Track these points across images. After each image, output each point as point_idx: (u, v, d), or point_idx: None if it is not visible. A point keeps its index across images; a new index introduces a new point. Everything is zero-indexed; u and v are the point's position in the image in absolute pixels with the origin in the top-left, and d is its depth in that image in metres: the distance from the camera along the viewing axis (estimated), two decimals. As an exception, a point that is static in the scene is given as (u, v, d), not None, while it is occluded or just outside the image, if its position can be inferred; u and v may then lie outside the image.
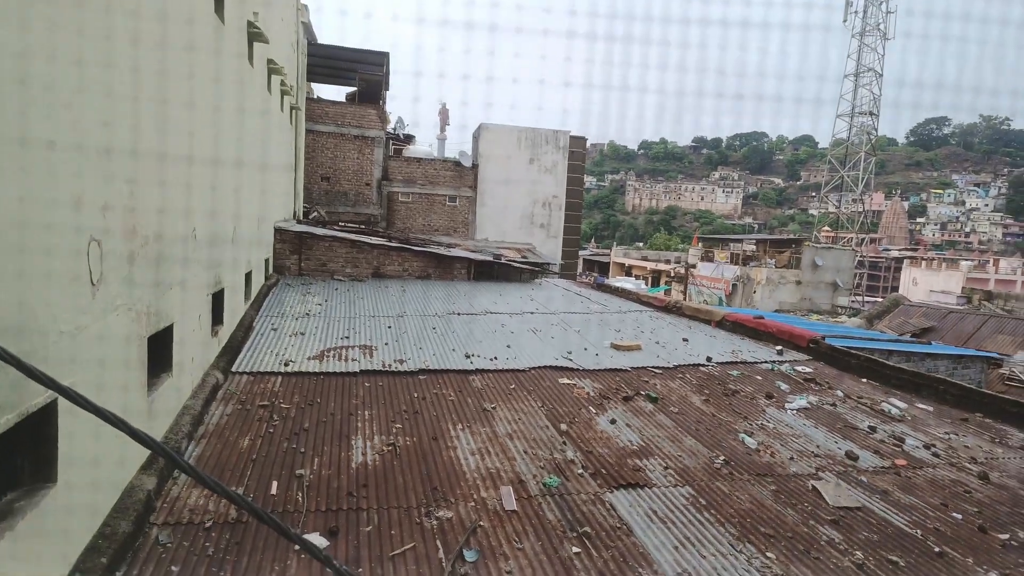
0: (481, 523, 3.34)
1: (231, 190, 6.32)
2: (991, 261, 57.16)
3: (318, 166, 21.69)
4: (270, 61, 9.03)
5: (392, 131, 26.01)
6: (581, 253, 51.70)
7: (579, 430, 4.84)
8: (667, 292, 39.08)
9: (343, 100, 24.03)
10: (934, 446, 5.11)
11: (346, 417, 4.74)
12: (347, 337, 7.19)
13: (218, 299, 5.74)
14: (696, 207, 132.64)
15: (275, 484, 3.60)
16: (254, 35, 7.36)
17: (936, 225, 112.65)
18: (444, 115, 28.82)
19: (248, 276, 7.87)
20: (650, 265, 51.86)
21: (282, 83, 10.68)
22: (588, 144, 39.53)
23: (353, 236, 12.81)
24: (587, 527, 3.39)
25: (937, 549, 3.44)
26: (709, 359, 7.35)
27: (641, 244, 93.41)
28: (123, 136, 3.12)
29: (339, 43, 20.99)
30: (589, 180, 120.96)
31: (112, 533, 2.77)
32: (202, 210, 4.95)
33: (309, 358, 6.18)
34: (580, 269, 44.08)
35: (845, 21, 61.40)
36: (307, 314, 8.30)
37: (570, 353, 7.15)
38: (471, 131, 25.56)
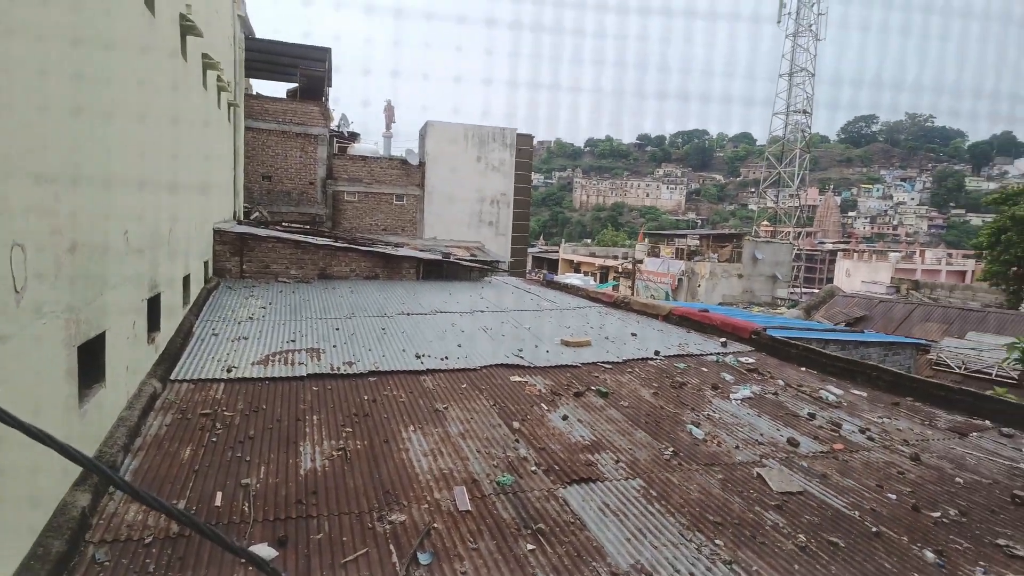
0: (435, 525, 3.31)
1: (166, 190, 6.06)
2: (918, 252, 60.31)
3: (259, 164, 21.09)
4: (205, 55, 8.71)
5: (336, 128, 25.53)
6: (530, 250, 52.01)
7: (531, 427, 4.85)
8: (615, 288, 39.71)
9: (284, 97, 23.42)
10: (869, 430, 5.35)
11: (293, 423, 4.62)
12: (293, 340, 7.01)
13: (154, 304, 5.50)
14: (642, 203, 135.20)
15: (219, 495, 3.47)
16: (187, 28, 7.08)
17: (867, 219, 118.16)
18: (389, 112, 28.46)
19: (186, 279, 7.58)
20: (598, 261, 52.55)
21: (218, 78, 10.32)
22: (535, 142, 39.75)
23: (297, 237, 12.50)
24: (541, 524, 3.40)
25: (874, 529, 3.59)
26: (657, 353, 7.49)
27: (589, 241, 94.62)
28: (46, 135, 2.94)
29: (282, 37, 20.44)
30: (537, 177, 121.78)
31: (45, 553, 2.62)
32: (134, 211, 4.73)
33: (253, 363, 5.99)
34: (529, 266, 44.33)
35: (779, 22, 63.73)
36: (250, 318, 8.05)
37: (521, 351, 7.17)
38: (418, 128, 25.35)
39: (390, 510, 3.44)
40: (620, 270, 45.91)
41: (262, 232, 12.19)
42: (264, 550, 2.94)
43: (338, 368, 6.00)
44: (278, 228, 14.47)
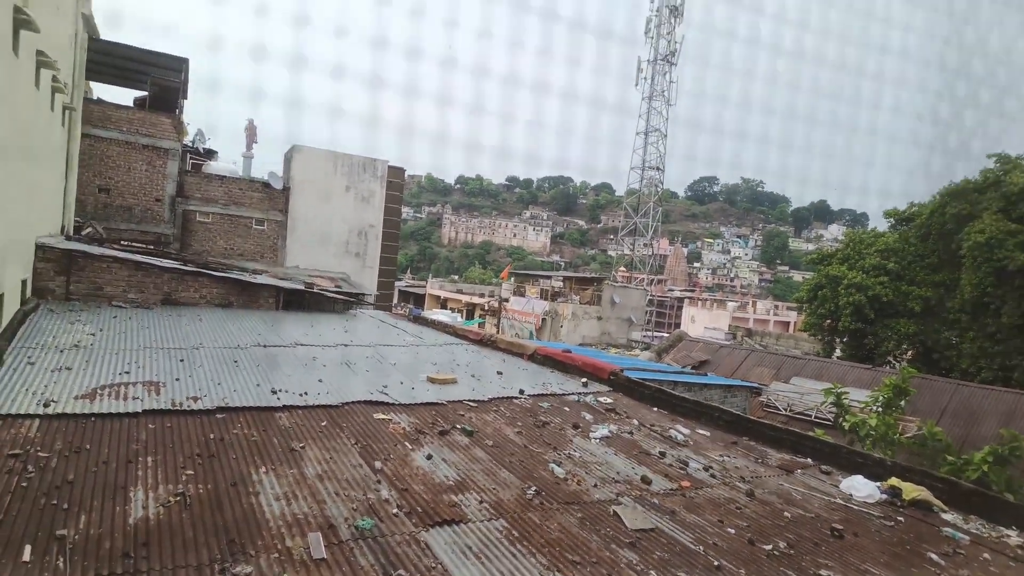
0: (285, 575, 3.06)
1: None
2: (751, 303, 66.98)
3: (96, 175, 19.06)
4: (39, 53, 7.82)
5: (190, 144, 23.82)
6: (397, 284, 51.25)
7: (394, 467, 4.69)
8: (481, 325, 40.08)
9: (131, 105, 21.51)
10: (712, 468, 5.75)
11: (123, 465, 4.11)
12: (127, 372, 6.30)
13: (-46, 327, 4.71)
14: (509, 243, 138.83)
15: (28, 549, 2.98)
16: (21, 22, 6.34)
17: (709, 270, 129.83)
18: (251, 132, 27.11)
19: (-2, 299, 6.60)
20: (465, 298, 52.94)
21: (54, 79, 9.29)
22: (407, 175, 39.64)
23: (139, 257, 11.38)
24: (401, 570, 3.26)
25: (716, 563, 3.83)
26: (522, 392, 7.61)
27: (457, 277, 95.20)
28: None
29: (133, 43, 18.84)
30: (407, 211, 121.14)
31: None
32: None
33: (77, 397, 5.29)
34: (396, 300, 43.61)
35: (636, 85, 69.24)
36: (76, 345, 7.15)
37: (385, 387, 6.96)
38: (282, 152, 24.31)
39: (235, 561, 3.14)
40: (486, 308, 46.53)
41: (96, 250, 10.97)
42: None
43: (180, 403, 5.46)
44: (115, 246, 13.11)
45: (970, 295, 21.69)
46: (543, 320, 37.79)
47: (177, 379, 6.26)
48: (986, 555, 4.47)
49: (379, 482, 4.37)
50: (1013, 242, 20.28)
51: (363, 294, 15.95)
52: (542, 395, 7.68)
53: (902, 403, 13.49)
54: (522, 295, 43.38)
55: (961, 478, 7.59)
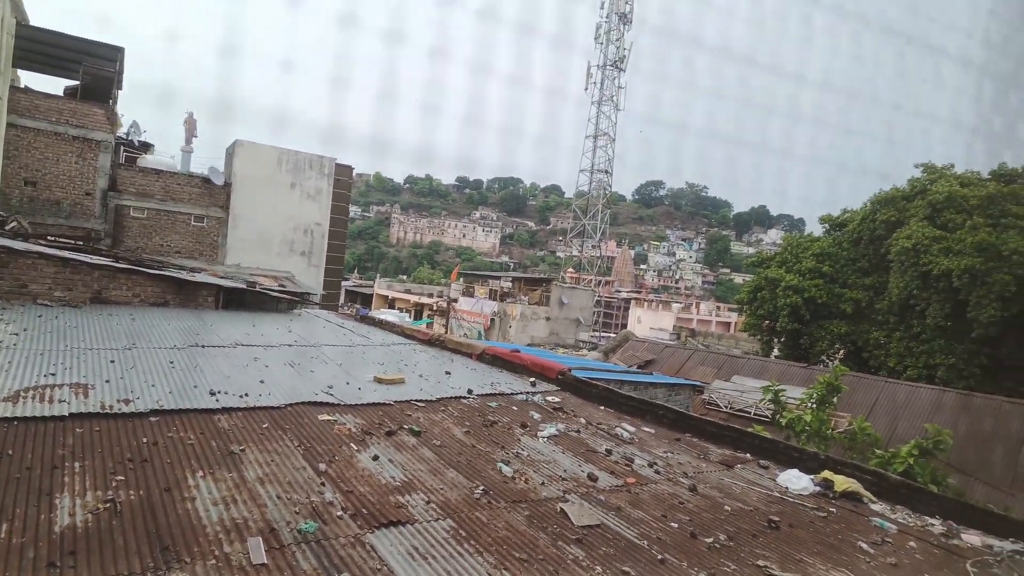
0: (224, 583, 2.96)
1: None
2: (694, 304, 68.76)
3: (21, 167, 18.04)
4: (-40, 33, 7.35)
5: (125, 136, 22.77)
6: (344, 284, 50.36)
7: (339, 469, 4.60)
8: (430, 325, 39.80)
9: (60, 95, 20.44)
10: (656, 464, 5.87)
11: (48, 470, 3.89)
12: (53, 374, 5.97)
13: None
14: (458, 243, 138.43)
15: (-63, 564, 2.79)
16: (-62, -2, 5.93)
17: (655, 272, 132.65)
18: (191, 125, 26.18)
19: (-92, 296, 6.16)
20: (413, 298, 52.46)
21: (-23, 63, 8.75)
22: (354, 173, 39.00)
23: (66, 253, 10.81)
24: (346, 572, 3.20)
25: (660, 556, 3.91)
26: (470, 391, 7.58)
27: (405, 277, 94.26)
28: None
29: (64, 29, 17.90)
30: (354, 210, 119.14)
31: None
32: None
33: (-3, 400, 4.99)
34: (342, 300, 42.83)
35: (586, 89, 70.05)
36: (-3, 345, 6.73)
37: (331, 388, 6.82)
38: (224, 147, 23.54)
39: (168, 569, 3.02)
40: (435, 308, 46.22)
41: (20, 245, 10.37)
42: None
43: (111, 407, 5.21)
44: (42, 242, 12.42)
45: (897, 297, 22.86)
46: (492, 320, 37.82)
47: (107, 381, 5.97)
48: (912, 543, 4.71)
49: (323, 484, 4.28)
50: (937, 248, 21.48)
51: (308, 293, 15.61)
52: (491, 395, 7.68)
53: (834, 400, 14.10)
54: (471, 295, 43.30)
55: (888, 470, 7.98)
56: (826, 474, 5.80)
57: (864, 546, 4.51)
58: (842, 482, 5.63)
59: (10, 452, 4.07)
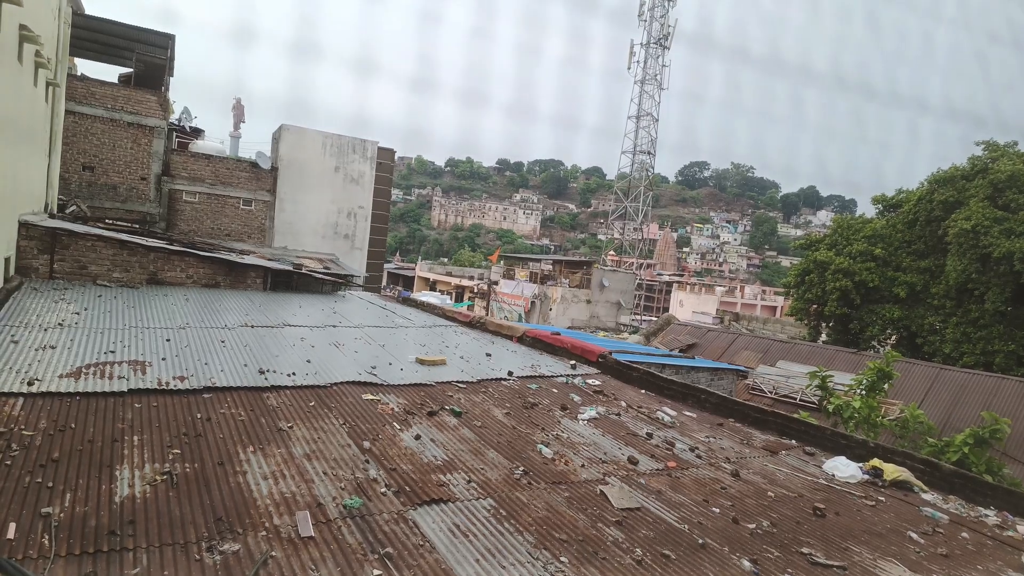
0: (273, 553, 3.07)
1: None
2: (738, 288, 67.36)
3: (80, 153, 18.76)
4: (23, 27, 7.64)
5: (177, 122, 23.45)
6: (386, 266, 51.07)
7: (383, 447, 4.70)
8: (470, 307, 40.08)
9: (115, 82, 21.12)
10: (697, 448, 5.81)
11: (109, 443, 4.09)
12: (113, 351, 6.25)
13: (-66, 304, 4.64)
14: (499, 226, 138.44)
15: (13, 527, 2.96)
16: (2, -8, 6.18)
17: (698, 255, 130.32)
18: (239, 111, 26.81)
19: (-20, 277, 6.51)
20: (454, 281, 52.85)
21: (37, 54, 9.08)
22: (396, 157, 39.29)
23: (124, 236, 11.24)
24: (389, 547, 3.28)
25: (700, 541, 3.88)
26: (510, 373, 7.63)
27: (446, 259, 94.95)
28: None
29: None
30: (396, 193, 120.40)
31: None
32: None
33: (62, 376, 5.25)
34: (385, 282, 43.48)
35: (629, 68, 68.77)
36: (60, 324, 7.07)
37: (374, 368, 6.96)
38: (271, 131, 24.00)
39: (222, 539, 3.14)
40: (476, 290, 46.48)
41: (80, 228, 10.82)
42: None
43: (167, 383, 5.43)
44: (100, 225, 12.93)
45: (955, 281, 21.90)
46: (532, 303, 37.83)
47: (163, 359, 6.22)
48: (964, 534, 4.56)
49: (367, 462, 4.38)
50: (998, 229, 20.45)
51: (352, 275, 15.88)
52: (531, 377, 7.70)
53: (885, 386, 13.65)
54: (511, 278, 43.34)
55: (941, 459, 7.72)
56: (875, 462, 5.65)
57: (914, 536, 4.39)
58: (892, 470, 5.48)
59: (72, 425, 4.29)
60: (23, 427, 4.14)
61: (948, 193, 23.26)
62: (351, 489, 3.91)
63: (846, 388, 13.89)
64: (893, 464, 5.61)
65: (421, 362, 7.55)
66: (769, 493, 4.89)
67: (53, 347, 6.10)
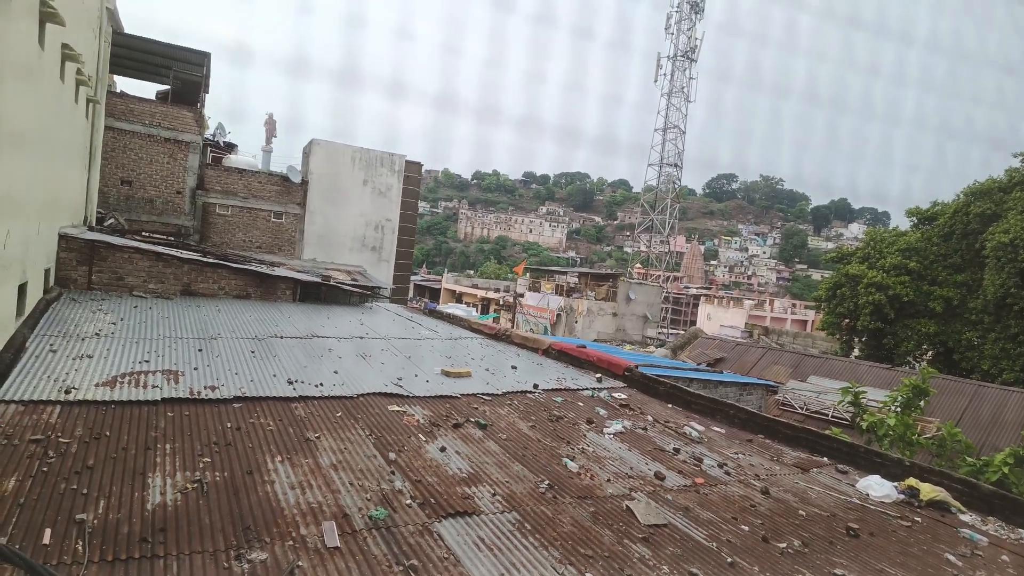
0: (300, 563, 3.10)
1: (2, 187, 5.38)
2: (768, 301, 66.32)
3: (118, 168, 19.36)
4: (65, 46, 7.93)
5: (211, 138, 24.06)
6: (413, 278, 51.48)
7: (408, 459, 4.72)
8: (496, 320, 40.12)
9: (153, 99, 21.79)
10: (726, 465, 5.72)
11: (142, 452, 4.17)
12: (147, 361, 6.39)
13: (-21, 314, 4.81)
14: (525, 239, 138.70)
15: (48, 532, 3.04)
16: (47, 15, 6.41)
17: (726, 267, 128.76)
18: (271, 126, 27.38)
19: (22, 288, 6.72)
20: (480, 293, 53.00)
21: (78, 72, 9.41)
22: (423, 170, 39.70)
23: (160, 248, 11.52)
24: (414, 559, 3.28)
25: (729, 560, 3.81)
26: (536, 386, 7.60)
27: (472, 272, 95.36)
28: None
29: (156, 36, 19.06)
30: (423, 206, 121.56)
31: None
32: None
33: (98, 384, 5.38)
34: (411, 294, 43.81)
35: (656, 81, 68.72)
36: (97, 334, 7.26)
37: (400, 379, 7.00)
38: (301, 145, 24.48)
39: (250, 548, 3.18)
40: (501, 303, 46.55)
41: (117, 240, 11.13)
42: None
43: (199, 392, 5.53)
44: (137, 237, 13.28)
45: (993, 296, 21.30)
46: (558, 316, 37.73)
47: (195, 368, 6.34)
48: (1004, 557, 4.40)
49: (393, 473, 4.40)
50: (1038, 242, 19.87)
51: (379, 287, 16.03)
52: (556, 390, 7.67)
53: (921, 403, 13.29)
54: (537, 291, 43.31)
55: (980, 479, 7.47)
56: (911, 481, 5.49)
57: (951, 558, 4.25)
58: (929, 490, 5.32)
59: (107, 433, 4.39)
60: (60, 434, 4.25)
61: (985, 205, 22.71)
62: (377, 500, 3.93)
63: (880, 405, 13.55)
64: (930, 484, 5.45)
65: (446, 374, 7.58)
66: (800, 512, 4.78)
67: (90, 356, 6.26)
